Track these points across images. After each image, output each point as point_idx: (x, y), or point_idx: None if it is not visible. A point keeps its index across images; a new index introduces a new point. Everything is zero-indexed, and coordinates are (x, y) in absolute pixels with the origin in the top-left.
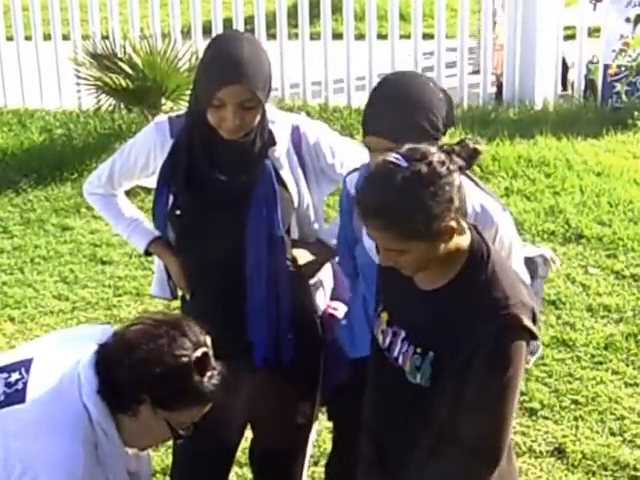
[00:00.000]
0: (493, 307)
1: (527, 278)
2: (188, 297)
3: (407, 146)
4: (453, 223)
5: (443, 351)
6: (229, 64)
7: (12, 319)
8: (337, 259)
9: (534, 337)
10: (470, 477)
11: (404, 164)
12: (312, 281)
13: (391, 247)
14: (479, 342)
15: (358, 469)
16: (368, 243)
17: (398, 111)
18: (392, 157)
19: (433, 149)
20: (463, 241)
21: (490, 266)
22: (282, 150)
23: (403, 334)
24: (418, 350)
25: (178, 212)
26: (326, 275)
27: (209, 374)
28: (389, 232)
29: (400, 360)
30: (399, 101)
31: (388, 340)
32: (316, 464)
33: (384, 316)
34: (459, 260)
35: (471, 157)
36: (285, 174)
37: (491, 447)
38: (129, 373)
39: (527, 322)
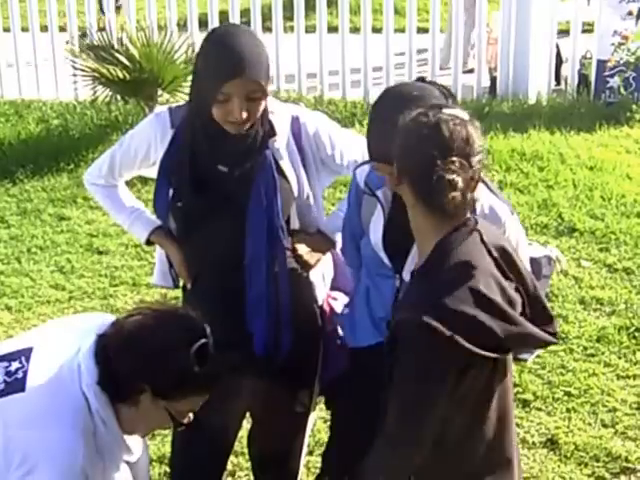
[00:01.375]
0: (415, 301)
1: (533, 278)
2: (189, 286)
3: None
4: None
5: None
6: (232, 57)
7: (9, 308)
8: (339, 249)
9: (457, 345)
10: (392, 461)
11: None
12: (312, 271)
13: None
14: (394, 331)
15: None
16: (374, 237)
17: (393, 135)
18: None
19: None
20: (438, 227)
21: (447, 261)
22: (282, 140)
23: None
24: (389, 328)
25: (179, 204)
26: (326, 265)
27: (208, 363)
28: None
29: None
30: (394, 124)
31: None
32: (311, 453)
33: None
34: (431, 245)
35: None
36: (285, 164)
37: (401, 434)
38: (129, 363)
39: (436, 325)
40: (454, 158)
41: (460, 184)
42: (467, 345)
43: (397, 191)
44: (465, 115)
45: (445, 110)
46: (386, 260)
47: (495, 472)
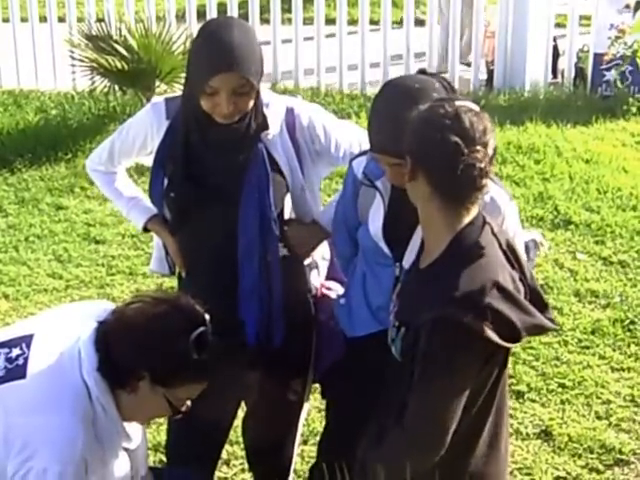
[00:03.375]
0: (440, 296)
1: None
2: (184, 274)
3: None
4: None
5: (408, 329)
6: (221, 51)
7: (6, 296)
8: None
9: (484, 338)
10: (410, 456)
11: None
12: (306, 261)
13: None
14: (419, 328)
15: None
16: (373, 227)
17: (395, 127)
18: None
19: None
20: (455, 221)
21: (466, 256)
22: (276, 133)
23: (396, 308)
24: (396, 324)
25: (172, 194)
26: (321, 255)
27: (207, 351)
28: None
29: (388, 332)
30: (396, 117)
31: (390, 311)
32: (305, 442)
33: (398, 288)
34: (444, 241)
35: None
36: (278, 157)
37: (425, 430)
38: (129, 350)
39: (467, 320)
40: (478, 147)
41: (487, 171)
42: (496, 339)
43: (404, 186)
44: (476, 106)
45: (457, 102)
46: (386, 249)
47: (493, 465)
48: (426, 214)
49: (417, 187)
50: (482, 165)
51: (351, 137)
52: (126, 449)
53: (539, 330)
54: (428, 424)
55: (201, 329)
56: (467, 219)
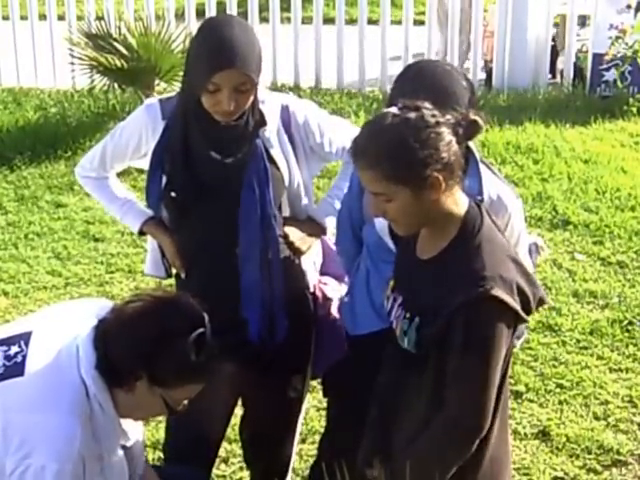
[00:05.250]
0: (469, 278)
1: (530, 265)
2: (183, 275)
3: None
4: (439, 175)
5: (427, 318)
6: (223, 48)
7: (6, 294)
8: (328, 235)
9: (512, 311)
10: (453, 445)
11: (397, 113)
12: (303, 257)
13: (377, 190)
14: (454, 312)
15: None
16: (379, 224)
17: None
18: (390, 109)
19: (428, 105)
20: (457, 209)
21: (478, 238)
22: (272, 129)
23: (400, 300)
24: (407, 315)
25: (173, 194)
26: (316, 251)
27: (206, 352)
28: (374, 171)
29: (394, 324)
30: (423, 94)
31: (389, 305)
32: (304, 441)
33: (391, 283)
34: (452, 229)
35: (469, 127)
36: (276, 153)
37: (471, 416)
38: (127, 349)
39: (504, 296)
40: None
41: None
42: (523, 314)
43: (384, 209)
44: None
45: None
46: (391, 245)
47: (504, 446)
48: (424, 210)
49: (398, 197)
50: (440, 124)
51: (345, 134)
52: (123, 446)
53: (541, 303)
54: (475, 404)
55: (200, 330)
56: (463, 200)
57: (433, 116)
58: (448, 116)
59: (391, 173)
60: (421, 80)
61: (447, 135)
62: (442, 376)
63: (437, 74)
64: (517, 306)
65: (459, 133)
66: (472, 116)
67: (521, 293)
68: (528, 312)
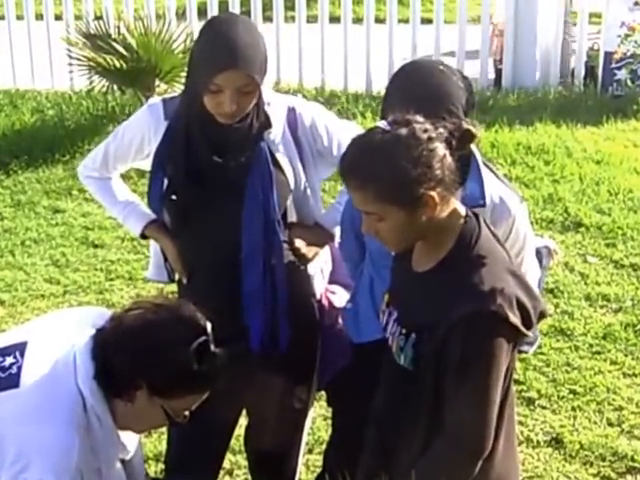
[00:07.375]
0: (467, 293)
1: (537, 270)
2: (185, 280)
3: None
4: (433, 193)
5: (423, 334)
6: (226, 49)
7: (2, 302)
8: (337, 242)
9: (512, 326)
10: (456, 468)
11: (387, 128)
12: (310, 265)
13: (369, 210)
14: (452, 328)
15: (363, 451)
16: None
17: (416, 106)
18: (380, 123)
19: (419, 118)
20: (453, 220)
21: (475, 250)
22: (277, 132)
23: (395, 315)
24: (403, 331)
25: (174, 197)
26: (324, 259)
27: (208, 362)
28: (365, 192)
29: (390, 340)
30: (418, 95)
31: (384, 320)
32: (310, 452)
33: (386, 297)
34: (448, 241)
35: (463, 137)
36: (281, 156)
37: (472, 437)
38: (126, 359)
39: (503, 311)
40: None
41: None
42: (523, 329)
43: (376, 228)
44: None
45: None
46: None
47: (512, 459)
48: (418, 226)
49: (389, 218)
50: (432, 139)
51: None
52: (122, 460)
53: (542, 316)
54: (475, 423)
55: (202, 339)
56: (460, 211)
57: (425, 131)
58: (440, 129)
59: (382, 194)
60: (416, 80)
61: (440, 150)
62: (441, 394)
63: (432, 74)
64: (517, 321)
65: (453, 144)
66: (465, 125)
67: (521, 307)
68: (529, 326)
